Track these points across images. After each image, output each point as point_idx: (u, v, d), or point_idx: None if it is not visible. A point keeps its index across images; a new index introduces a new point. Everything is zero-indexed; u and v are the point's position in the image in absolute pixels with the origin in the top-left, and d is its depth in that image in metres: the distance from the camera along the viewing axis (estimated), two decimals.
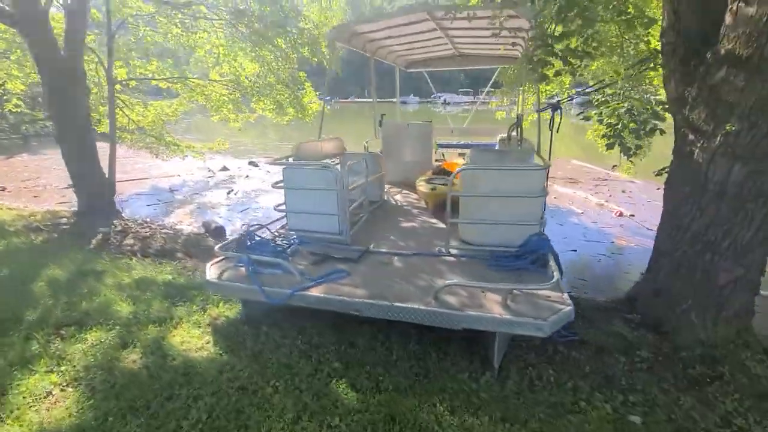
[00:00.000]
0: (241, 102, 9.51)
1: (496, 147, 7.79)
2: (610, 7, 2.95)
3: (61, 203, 8.60)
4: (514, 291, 2.59)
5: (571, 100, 4.22)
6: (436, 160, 7.67)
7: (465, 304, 2.55)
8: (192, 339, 2.78)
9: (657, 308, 3.27)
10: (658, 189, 8.53)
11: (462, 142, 9.33)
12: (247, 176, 11.36)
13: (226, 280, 2.99)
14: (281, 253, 3.47)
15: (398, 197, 6.02)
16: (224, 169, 12.13)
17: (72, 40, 6.31)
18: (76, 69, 6.45)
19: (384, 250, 3.63)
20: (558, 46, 2.83)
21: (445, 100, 71.57)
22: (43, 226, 6.41)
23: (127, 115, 8.28)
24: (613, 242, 6.37)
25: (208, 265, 3.21)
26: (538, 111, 4.27)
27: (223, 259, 3.33)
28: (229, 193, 9.51)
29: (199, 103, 9.59)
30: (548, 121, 4.48)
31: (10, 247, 4.92)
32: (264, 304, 3.08)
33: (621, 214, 7.59)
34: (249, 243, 3.58)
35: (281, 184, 4.05)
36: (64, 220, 6.77)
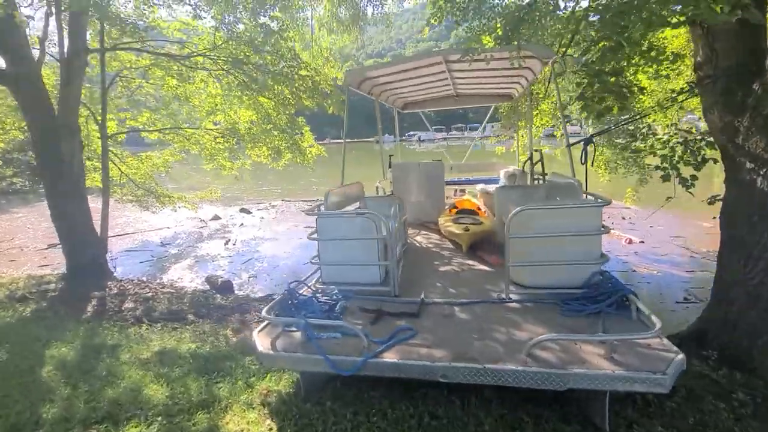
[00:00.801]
0: (236, 149, 9.35)
1: (501, 182, 7.84)
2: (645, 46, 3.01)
3: (42, 266, 7.93)
4: (614, 341, 2.37)
5: (599, 134, 4.24)
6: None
7: (565, 360, 2.30)
8: (251, 426, 2.38)
9: (734, 342, 3.11)
10: (653, 215, 8.73)
11: (463, 179, 9.37)
12: (242, 224, 10.94)
13: (282, 351, 2.63)
14: (330, 312, 3.15)
15: (419, 239, 5.82)
16: (216, 218, 11.69)
17: (67, 95, 6.03)
18: (71, 124, 6.13)
19: (438, 299, 3.37)
20: (612, 80, 2.84)
21: (419, 138, 74.07)
22: (29, 294, 5.80)
23: (118, 168, 7.89)
24: (634, 271, 6.33)
25: (255, 333, 2.85)
26: (569, 146, 4.27)
27: (268, 324, 2.98)
28: (226, 243, 9.06)
29: (192, 152, 9.38)
30: (563, 154, 4.50)
31: (2, 322, 4.34)
32: (323, 374, 2.73)
33: (631, 242, 7.64)
34: (290, 303, 3.25)
35: (316, 235, 3.79)
36: (52, 285, 6.17)
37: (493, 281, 3.77)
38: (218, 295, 5.92)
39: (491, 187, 7.91)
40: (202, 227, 10.87)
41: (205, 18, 7.59)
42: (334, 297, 3.45)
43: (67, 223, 6.30)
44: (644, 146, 3.36)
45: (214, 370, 3.10)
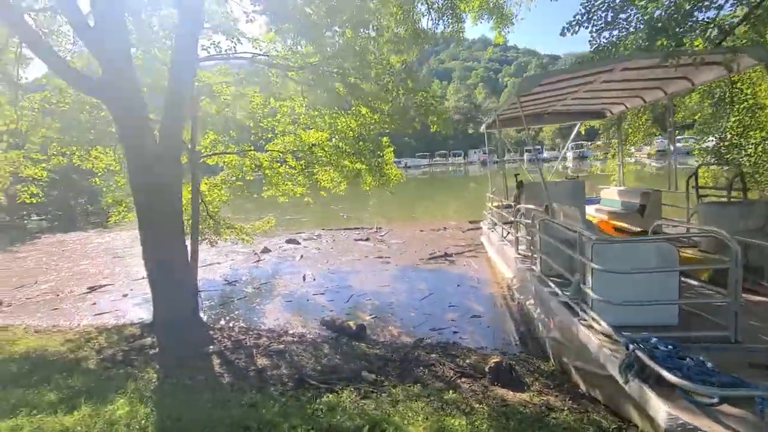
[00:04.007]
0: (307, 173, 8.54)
1: (611, 202, 7.34)
2: None
3: (98, 314, 6.61)
4: None
5: None
6: None
7: None
8: None
9: None
10: None
11: None
12: (302, 256, 9.88)
13: None
14: (711, 371, 2.34)
15: None
16: (266, 250, 10.57)
17: (173, 114, 5.09)
18: (175, 148, 5.16)
19: None
20: None
21: (406, 164, 74.76)
22: (123, 352, 4.65)
23: (203, 200, 6.86)
24: None
25: (669, 410, 2.01)
26: None
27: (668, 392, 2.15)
28: (304, 278, 8.00)
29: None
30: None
31: (151, 400, 3.21)
32: None
33: None
34: (655, 359, 2.41)
35: (603, 267, 3.00)
36: (147, 340, 5.01)
37: None
38: (361, 344, 4.93)
39: (608, 207, 7.38)
40: (257, 261, 9.73)
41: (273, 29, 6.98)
42: (660, 346, 2.64)
43: (163, 263, 5.20)
44: None
45: None
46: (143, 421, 2.79)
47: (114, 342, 5.00)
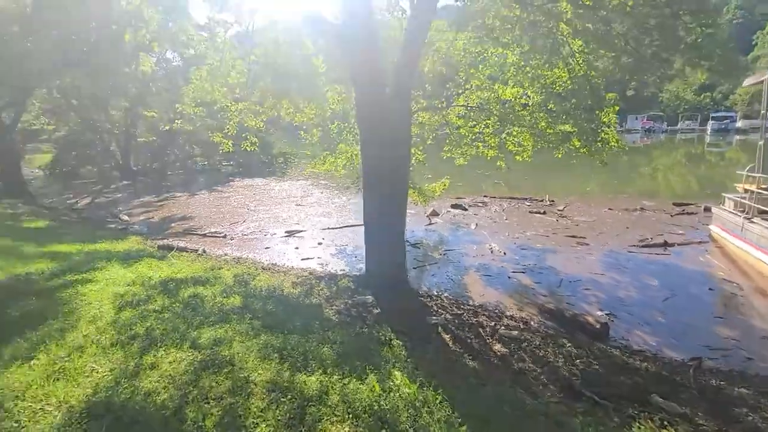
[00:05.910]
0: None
1: None
2: None
3: (305, 259, 7.08)
4: None
5: None
6: None
7: None
8: None
9: None
10: None
11: None
12: (477, 225, 9.21)
13: None
14: None
15: None
16: (434, 213, 10.22)
17: (405, 60, 4.64)
18: (404, 97, 4.77)
19: None
20: None
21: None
22: (351, 307, 4.64)
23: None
24: None
25: None
26: None
27: None
28: (491, 250, 7.33)
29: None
30: None
31: (426, 380, 2.92)
32: None
33: None
34: None
35: None
36: (369, 298, 4.92)
37: None
38: (611, 349, 4.04)
39: None
40: (429, 224, 9.45)
41: None
42: None
43: (383, 221, 5.04)
44: None
45: None
46: (442, 412, 2.44)
47: (335, 293, 5.09)
